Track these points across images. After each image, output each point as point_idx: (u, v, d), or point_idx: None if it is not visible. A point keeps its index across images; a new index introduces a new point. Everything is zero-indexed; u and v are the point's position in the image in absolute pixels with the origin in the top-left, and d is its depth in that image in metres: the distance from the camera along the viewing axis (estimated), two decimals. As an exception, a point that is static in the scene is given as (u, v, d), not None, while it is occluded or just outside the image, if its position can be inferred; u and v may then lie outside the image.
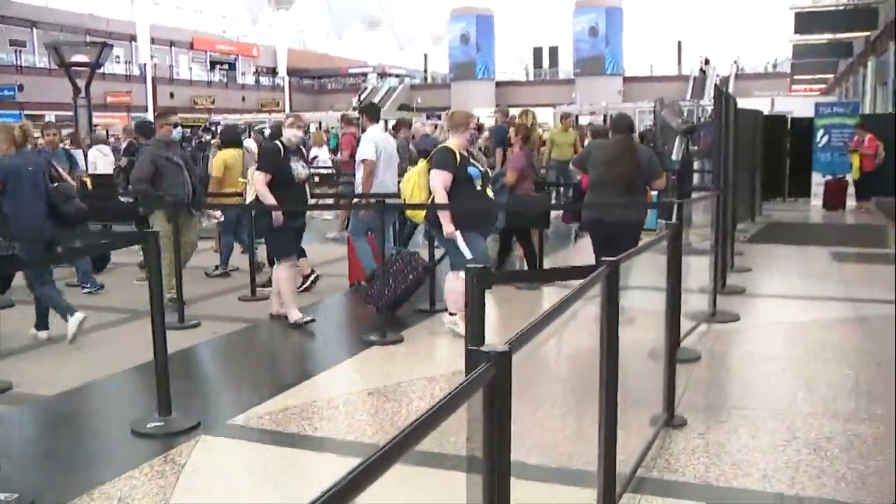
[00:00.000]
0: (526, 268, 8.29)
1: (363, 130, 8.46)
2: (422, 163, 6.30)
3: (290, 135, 6.62)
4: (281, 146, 6.55)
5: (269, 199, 6.40)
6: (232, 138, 9.42)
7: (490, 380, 1.55)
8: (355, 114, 13.59)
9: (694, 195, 11.02)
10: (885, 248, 10.55)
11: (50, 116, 37.91)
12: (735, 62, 54.25)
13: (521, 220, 8.00)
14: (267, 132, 20.86)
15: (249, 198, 7.06)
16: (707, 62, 51.53)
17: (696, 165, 13.85)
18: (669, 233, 3.85)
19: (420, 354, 5.81)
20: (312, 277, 8.01)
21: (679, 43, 57.16)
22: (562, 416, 4.50)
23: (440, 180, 5.97)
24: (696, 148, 13.74)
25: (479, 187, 6.07)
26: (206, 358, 6.04)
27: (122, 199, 9.07)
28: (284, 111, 49.47)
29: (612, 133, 6.95)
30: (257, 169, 6.56)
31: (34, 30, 42.86)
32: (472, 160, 6.17)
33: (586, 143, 11.09)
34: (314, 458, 3.92)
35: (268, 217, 6.48)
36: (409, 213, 6.62)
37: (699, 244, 9.56)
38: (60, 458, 3.97)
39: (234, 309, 7.33)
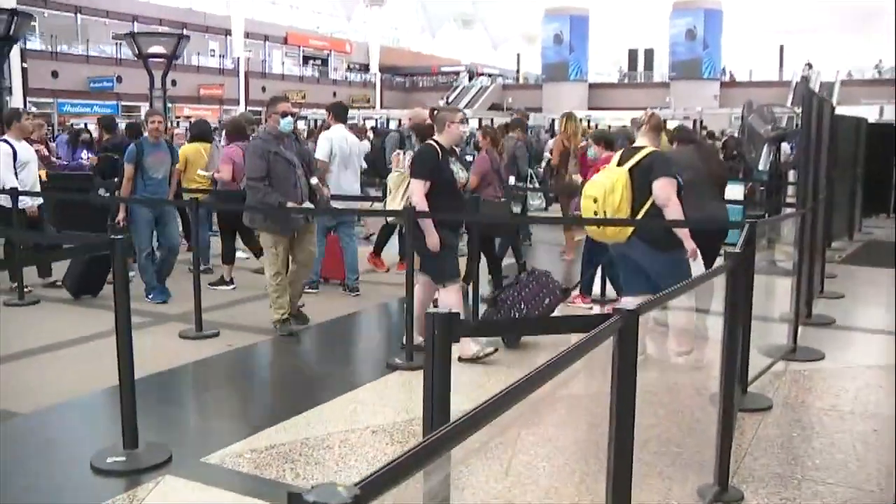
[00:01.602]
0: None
1: (327, 128, 8.12)
2: (621, 170, 5.02)
3: (455, 132, 5.48)
4: (437, 146, 5.44)
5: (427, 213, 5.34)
6: (201, 133, 9.14)
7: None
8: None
9: (785, 211, 10.05)
10: None
11: (145, 107, 38.77)
12: (846, 70, 51.52)
13: (484, 228, 7.22)
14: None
15: (395, 204, 5.71)
16: (810, 67, 49.03)
17: (791, 177, 12.75)
18: (729, 264, 3.08)
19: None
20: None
21: (781, 47, 54.68)
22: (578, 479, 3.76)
23: (673, 189, 4.98)
24: (791, 156, 12.65)
25: None
26: (207, 376, 5.44)
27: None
28: (374, 107, 49.52)
29: (676, 143, 6.41)
30: (413, 176, 5.43)
31: (135, 24, 43.79)
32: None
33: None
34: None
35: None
36: (607, 232, 5.16)
37: (788, 263, 8.59)
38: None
39: (266, 317, 6.75)
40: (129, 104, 40.75)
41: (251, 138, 6.97)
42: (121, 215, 7.49)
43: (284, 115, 6.15)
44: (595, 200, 5.02)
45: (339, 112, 7.89)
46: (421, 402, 4.71)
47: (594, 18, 59.60)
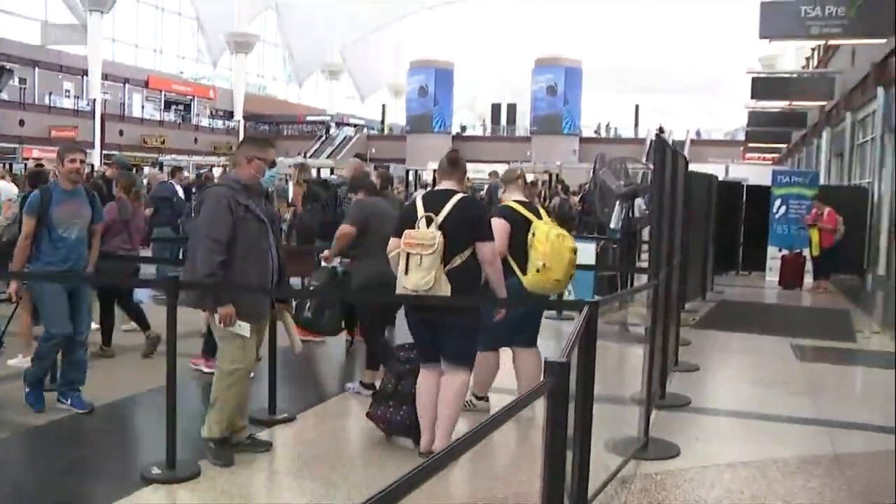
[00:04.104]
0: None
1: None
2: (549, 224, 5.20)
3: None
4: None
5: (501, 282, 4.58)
6: None
7: None
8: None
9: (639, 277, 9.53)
10: (851, 341, 9.06)
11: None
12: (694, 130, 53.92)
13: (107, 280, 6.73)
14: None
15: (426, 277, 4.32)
16: (661, 131, 51.00)
17: (646, 234, 12.34)
18: (550, 382, 2.19)
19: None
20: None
21: (637, 106, 56.75)
22: None
23: None
24: (646, 212, 12.24)
25: None
26: None
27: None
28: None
29: (363, 193, 6.05)
30: (490, 238, 4.45)
31: (-18, 60, 40.84)
32: None
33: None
34: None
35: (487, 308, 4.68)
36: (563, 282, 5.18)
37: (640, 327, 7.94)
38: None
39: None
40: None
41: (208, 186, 4.95)
42: (12, 287, 5.60)
43: (271, 165, 4.66)
44: (575, 252, 5.12)
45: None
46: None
47: (459, 72, 60.30)
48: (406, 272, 4.27)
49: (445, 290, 4.26)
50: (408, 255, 4.26)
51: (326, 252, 6.09)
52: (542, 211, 5.39)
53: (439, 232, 4.27)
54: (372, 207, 5.86)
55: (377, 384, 5.24)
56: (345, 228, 5.76)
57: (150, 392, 5.48)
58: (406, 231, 4.33)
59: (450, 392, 4.42)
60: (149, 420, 5.16)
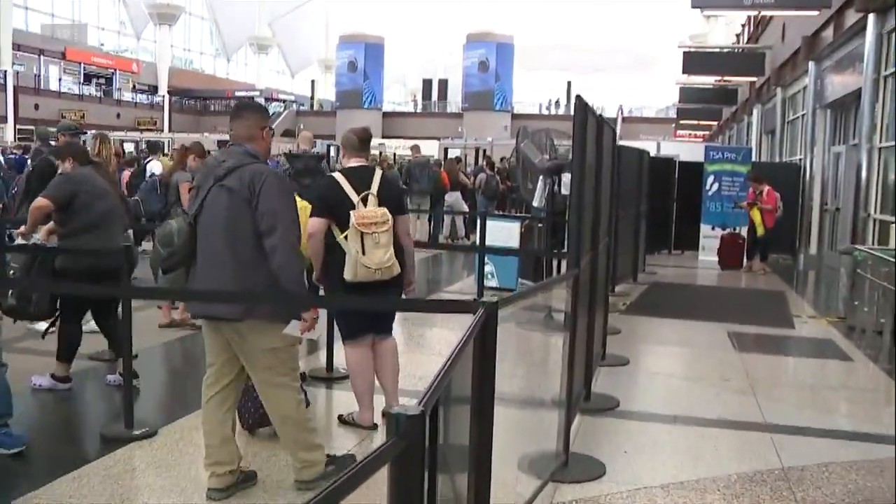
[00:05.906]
0: None
1: None
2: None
3: None
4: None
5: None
6: None
7: None
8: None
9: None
10: (789, 327, 8.54)
11: None
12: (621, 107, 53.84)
13: None
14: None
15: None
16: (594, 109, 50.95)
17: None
18: (394, 449, 1.41)
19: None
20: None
21: (569, 83, 56.49)
22: None
23: None
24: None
25: None
26: None
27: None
28: (163, 130, 46.29)
29: (71, 162, 5.27)
30: (403, 213, 4.59)
31: None
32: None
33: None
34: None
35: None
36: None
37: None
38: None
39: None
40: None
41: (263, 166, 3.64)
42: None
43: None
44: None
45: None
46: None
47: (390, 47, 59.21)
48: (364, 252, 4.20)
49: (397, 265, 4.30)
50: (362, 234, 4.19)
51: (23, 227, 5.42)
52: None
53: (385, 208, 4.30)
54: (81, 180, 5.14)
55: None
56: (41, 202, 5.11)
57: None
58: (355, 212, 4.22)
59: (393, 358, 4.62)
60: None
